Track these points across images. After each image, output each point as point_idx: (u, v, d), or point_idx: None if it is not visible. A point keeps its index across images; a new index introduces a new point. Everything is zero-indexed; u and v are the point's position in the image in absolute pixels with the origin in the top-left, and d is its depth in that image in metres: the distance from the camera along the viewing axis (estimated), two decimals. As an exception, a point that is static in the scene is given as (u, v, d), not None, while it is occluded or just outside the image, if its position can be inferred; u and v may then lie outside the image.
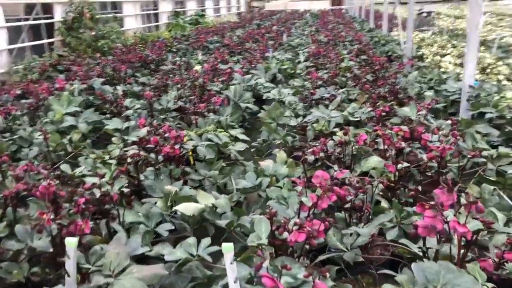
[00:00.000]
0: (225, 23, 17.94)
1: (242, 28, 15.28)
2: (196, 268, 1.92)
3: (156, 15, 16.30)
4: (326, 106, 4.31)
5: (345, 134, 3.04)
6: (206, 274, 1.91)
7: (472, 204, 1.70)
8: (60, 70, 7.49)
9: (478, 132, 3.57)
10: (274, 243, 1.97)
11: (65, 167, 2.99)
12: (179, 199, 2.47)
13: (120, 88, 5.43)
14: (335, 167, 2.57)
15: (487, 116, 4.05)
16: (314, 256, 2.13)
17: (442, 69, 6.38)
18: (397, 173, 2.70)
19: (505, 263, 1.85)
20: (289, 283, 1.55)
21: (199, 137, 3.59)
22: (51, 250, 2.00)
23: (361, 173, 2.98)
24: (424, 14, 14.61)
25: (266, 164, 3.07)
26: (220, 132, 3.72)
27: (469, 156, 2.78)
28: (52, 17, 10.08)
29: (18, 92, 5.46)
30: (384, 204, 2.56)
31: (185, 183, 2.90)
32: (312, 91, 4.91)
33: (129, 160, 2.79)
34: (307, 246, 1.84)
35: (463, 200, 1.82)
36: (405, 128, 3.16)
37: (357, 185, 2.34)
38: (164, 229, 2.22)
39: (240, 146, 3.57)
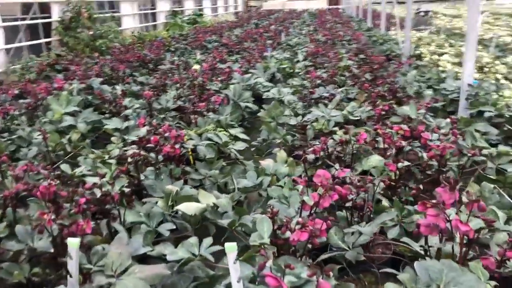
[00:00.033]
0: (223, 22, 17.93)
1: (240, 27, 15.27)
2: (198, 267, 1.92)
3: (153, 14, 16.28)
4: (326, 105, 4.31)
5: (345, 133, 3.04)
6: (209, 274, 1.90)
7: (474, 203, 1.70)
8: (58, 69, 7.47)
9: (477, 131, 3.57)
10: (276, 242, 1.96)
11: (65, 167, 2.98)
12: (180, 199, 2.46)
13: (119, 88, 5.41)
14: (336, 166, 2.56)
15: (486, 114, 4.06)
16: (315, 255, 2.12)
17: (440, 68, 6.39)
18: (397, 172, 2.71)
19: (507, 261, 1.85)
20: (292, 282, 1.55)
21: (199, 136, 3.59)
22: (52, 250, 1.99)
23: (361, 172, 2.98)
24: (422, 13, 14.62)
25: (267, 163, 3.06)
26: (220, 131, 3.72)
27: (469, 154, 2.78)
28: (49, 17, 10.05)
29: (16, 92, 5.45)
30: (384, 202, 2.57)
31: (185, 182, 2.89)
32: (311, 90, 4.91)
33: (129, 159, 2.78)
34: (309, 245, 1.84)
35: (464, 199, 1.82)
36: (405, 127, 3.16)
37: (358, 184, 2.34)
38: (165, 228, 2.21)
39: (240, 146, 3.57)
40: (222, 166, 3.22)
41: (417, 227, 1.82)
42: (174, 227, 2.28)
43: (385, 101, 4.28)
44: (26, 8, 9.81)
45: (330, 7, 29.61)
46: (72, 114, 4.34)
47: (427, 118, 3.83)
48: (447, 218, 1.70)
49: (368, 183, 2.41)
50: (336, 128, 3.81)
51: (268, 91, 5.24)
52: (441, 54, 7.43)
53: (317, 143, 3.16)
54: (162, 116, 4.35)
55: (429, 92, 4.95)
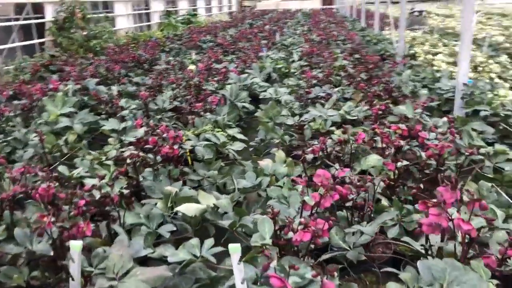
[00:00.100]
0: (217, 22, 17.91)
1: (234, 27, 15.25)
2: (199, 269, 1.91)
3: (147, 14, 16.24)
4: (322, 105, 4.32)
5: (344, 132, 3.04)
6: (210, 275, 1.90)
7: (476, 202, 1.71)
8: (52, 70, 7.42)
9: (473, 130, 3.59)
10: (278, 243, 1.96)
11: (62, 169, 2.96)
12: (179, 200, 2.46)
13: (115, 88, 5.39)
14: (336, 165, 2.56)
15: (482, 113, 4.08)
16: (316, 255, 2.12)
17: (435, 68, 6.42)
18: (396, 171, 2.71)
19: (507, 260, 1.86)
20: (296, 283, 1.55)
21: (197, 137, 3.58)
22: (52, 253, 1.98)
23: (360, 172, 2.99)
24: (416, 13, 14.69)
25: (265, 163, 3.06)
26: (218, 131, 3.71)
27: (467, 153, 2.79)
28: (43, 17, 9.99)
29: (10, 93, 5.40)
30: (384, 202, 2.57)
31: (183, 183, 2.88)
32: (307, 90, 4.92)
33: (128, 161, 2.76)
34: (312, 246, 1.83)
35: (465, 198, 1.83)
36: (403, 126, 3.17)
37: (358, 183, 2.34)
38: (166, 230, 2.20)
39: (238, 146, 3.56)
40: (220, 167, 3.21)
41: (419, 226, 1.82)
42: (175, 228, 2.27)
43: (381, 101, 4.29)
44: (19, 8, 9.75)
45: (324, 7, 29.66)
46: (68, 115, 4.31)
47: (423, 117, 3.85)
48: (450, 217, 1.70)
49: (368, 183, 2.42)
50: (333, 128, 3.82)
51: (264, 91, 5.23)
52: (435, 54, 7.46)
53: (316, 143, 3.16)
54: (158, 116, 4.34)
55: (424, 91, 4.97)
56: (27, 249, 2.04)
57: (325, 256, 2.06)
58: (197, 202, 2.41)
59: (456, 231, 1.77)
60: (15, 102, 5.04)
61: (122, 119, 4.21)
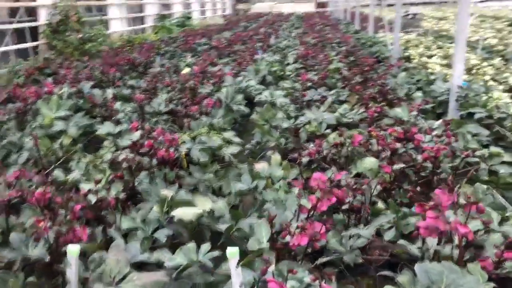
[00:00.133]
0: (212, 25, 17.91)
1: (229, 30, 15.26)
2: (196, 274, 1.90)
3: (142, 18, 16.22)
4: (318, 108, 4.33)
5: (340, 135, 3.04)
6: (208, 280, 1.89)
7: (473, 205, 1.71)
8: (47, 73, 7.39)
9: (468, 132, 3.61)
10: (275, 246, 1.96)
11: (57, 173, 2.94)
12: (175, 204, 2.44)
13: (110, 91, 5.37)
14: (333, 168, 2.57)
15: (476, 116, 4.10)
16: (312, 258, 2.12)
17: (429, 70, 6.45)
18: (392, 174, 2.72)
19: (504, 262, 1.87)
20: (294, 287, 1.54)
21: (192, 140, 3.57)
22: (48, 258, 1.96)
23: (355, 174, 2.99)
24: (410, 16, 14.77)
25: (261, 166, 3.06)
26: (213, 134, 3.70)
27: (462, 156, 2.81)
28: (36, 20, 9.96)
29: (5, 96, 5.37)
30: (380, 205, 2.57)
31: (179, 186, 2.87)
32: (303, 92, 4.92)
33: (124, 164, 2.75)
34: (309, 249, 1.83)
35: (462, 201, 1.83)
36: (399, 129, 3.18)
37: (354, 186, 2.34)
38: (162, 234, 2.19)
39: (234, 149, 3.55)
40: (216, 170, 3.21)
41: (417, 229, 1.83)
42: (172, 233, 2.26)
43: (375, 103, 4.30)
44: (13, 12, 9.71)
45: (318, 10, 29.75)
46: (63, 118, 4.28)
47: (418, 120, 3.86)
48: (447, 220, 1.71)
49: (364, 185, 2.42)
50: (328, 131, 3.82)
51: (260, 93, 5.23)
52: (430, 56, 7.51)
53: (311, 145, 3.17)
54: (154, 119, 4.32)
55: (419, 94, 4.99)
56: (22, 254, 2.02)
57: (322, 260, 2.06)
58: (194, 206, 2.40)
59: (453, 234, 1.78)
60: (10, 105, 5.01)
61: (117, 122, 4.19)
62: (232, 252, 1.50)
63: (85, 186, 2.58)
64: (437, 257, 1.97)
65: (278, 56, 8.40)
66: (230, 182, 2.82)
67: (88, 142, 4.19)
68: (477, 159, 2.96)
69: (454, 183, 1.79)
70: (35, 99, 4.80)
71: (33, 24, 9.93)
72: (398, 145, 2.89)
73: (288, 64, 7.50)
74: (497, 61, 7.00)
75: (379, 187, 2.52)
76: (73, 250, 1.62)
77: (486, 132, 3.73)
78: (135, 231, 2.25)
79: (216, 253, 1.95)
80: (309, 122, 3.99)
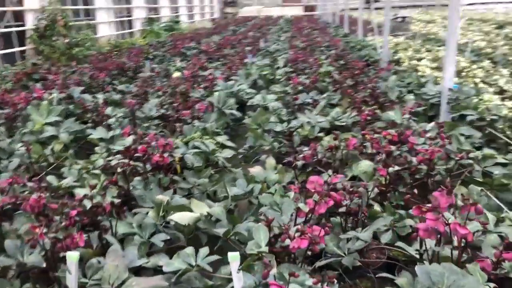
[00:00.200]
0: (200, 29, 17.90)
1: (217, 34, 15.26)
2: (195, 278, 1.89)
3: (129, 22, 16.15)
4: (310, 111, 4.33)
5: (335, 138, 3.05)
6: (206, 284, 1.87)
7: (472, 206, 1.72)
8: (35, 79, 7.31)
9: (461, 134, 3.64)
10: (273, 250, 1.95)
11: (50, 179, 2.90)
12: (171, 209, 2.43)
13: (100, 97, 5.33)
14: (330, 172, 2.57)
15: (468, 118, 4.13)
16: (310, 262, 2.12)
17: (419, 73, 6.50)
18: (388, 177, 2.73)
19: (502, 263, 1.88)
20: (296, 290, 1.54)
21: (186, 144, 3.55)
22: (44, 265, 1.93)
23: (350, 178, 3.00)
24: (399, 19, 14.90)
25: (256, 170, 3.05)
26: (206, 139, 3.68)
27: (456, 158, 2.83)
28: (23, 25, 9.85)
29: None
30: (376, 207, 2.58)
31: (174, 191, 2.85)
32: (294, 96, 4.93)
33: (118, 170, 2.72)
34: (308, 253, 1.83)
35: (460, 202, 1.84)
36: (393, 131, 3.19)
37: (351, 189, 2.35)
38: (160, 239, 2.17)
39: (228, 153, 3.54)
40: (210, 174, 3.19)
41: (416, 231, 1.83)
42: (168, 237, 2.24)
43: (367, 106, 4.32)
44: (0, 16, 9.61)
45: (306, 13, 29.90)
46: (54, 124, 4.24)
47: (411, 122, 3.88)
48: (446, 222, 1.71)
49: (360, 188, 2.42)
50: (321, 134, 3.83)
51: (251, 97, 5.23)
52: (420, 59, 7.56)
53: (305, 149, 3.16)
54: (146, 124, 4.30)
55: (411, 96, 5.02)
56: (17, 261, 1.99)
57: (320, 263, 2.06)
58: (190, 210, 2.39)
59: (452, 236, 1.78)
60: (-2, 111, 4.94)
61: (109, 127, 4.16)
62: (233, 256, 1.49)
63: (80, 192, 2.54)
64: (436, 258, 1.98)
65: (268, 60, 8.40)
66: (225, 187, 2.80)
67: (79, 148, 4.15)
68: (470, 161, 2.98)
69: (452, 185, 1.79)
70: (24, 105, 4.75)
71: (20, 28, 9.82)
72: (392, 148, 2.90)
73: (278, 68, 7.50)
74: (486, 63, 7.08)
75: (376, 190, 2.53)
76: (72, 256, 1.60)
77: (479, 134, 3.76)
78: (132, 236, 2.22)
79: (214, 257, 1.93)
80: (301, 126, 4.00)
